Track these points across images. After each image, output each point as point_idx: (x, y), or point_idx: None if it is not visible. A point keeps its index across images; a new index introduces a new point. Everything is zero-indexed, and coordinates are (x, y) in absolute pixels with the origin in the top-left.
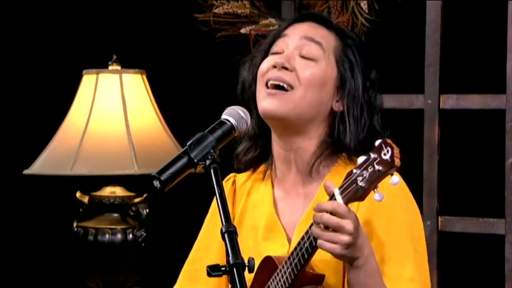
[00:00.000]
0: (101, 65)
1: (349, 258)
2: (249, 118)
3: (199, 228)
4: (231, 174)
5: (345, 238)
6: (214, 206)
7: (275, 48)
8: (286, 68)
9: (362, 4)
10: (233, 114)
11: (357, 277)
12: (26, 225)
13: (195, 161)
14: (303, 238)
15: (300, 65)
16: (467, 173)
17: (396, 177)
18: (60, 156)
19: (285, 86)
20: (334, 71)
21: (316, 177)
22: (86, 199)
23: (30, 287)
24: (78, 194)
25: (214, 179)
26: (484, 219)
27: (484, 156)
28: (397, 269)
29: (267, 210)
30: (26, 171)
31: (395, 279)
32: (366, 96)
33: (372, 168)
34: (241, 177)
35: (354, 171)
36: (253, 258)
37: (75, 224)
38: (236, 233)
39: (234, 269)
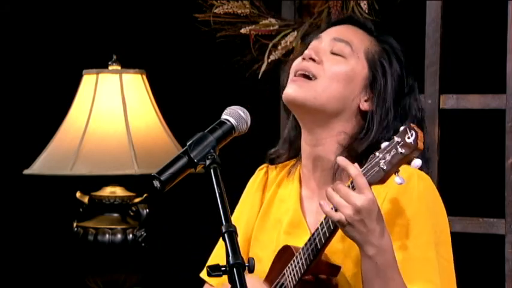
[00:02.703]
0: (101, 65)
1: (355, 239)
2: (249, 118)
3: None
4: (264, 165)
5: (347, 211)
6: (246, 195)
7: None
8: (313, 60)
9: (362, 4)
10: (233, 114)
11: (368, 268)
12: (26, 225)
13: (195, 161)
14: (321, 224)
15: (328, 59)
16: (467, 173)
17: (418, 160)
18: (60, 156)
19: (309, 75)
20: (364, 70)
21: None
22: (86, 199)
23: (30, 287)
24: (78, 194)
25: (214, 179)
26: (484, 219)
27: (484, 156)
28: (416, 270)
29: (292, 206)
30: (26, 171)
31: (412, 281)
32: (397, 101)
33: (395, 151)
34: (273, 168)
35: (377, 154)
36: (253, 258)
37: (75, 224)
38: (236, 233)
39: (234, 269)
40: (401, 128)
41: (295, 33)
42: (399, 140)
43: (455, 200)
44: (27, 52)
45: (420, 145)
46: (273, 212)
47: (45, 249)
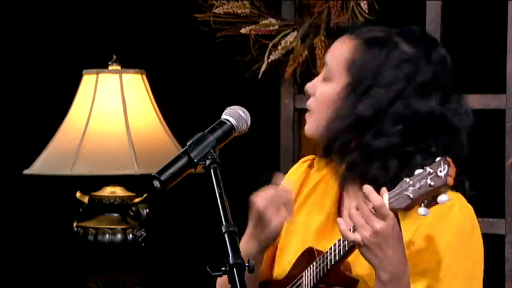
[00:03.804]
0: (101, 65)
1: (371, 262)
2: (249, 118)
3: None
4: (310, 156)
5: (365, 232)
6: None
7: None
8: (310, 95)
9: (362, 4)
10: (233, 114)
11: None
12: (26, 225)
13: (195, 161)
14: (343, 235)
15: (319, 88)
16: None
17: (445, 196)
18: (60, 156)
19: (309, 109)
20: (345, 81)
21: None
22: (86, 199)
23: (31, 287)
24: (78, 194)
25: (214, 179)
26: (484, 219)
27: (484, 156)
28: None
29: (329, 206)
30: (26, 171)
31: None
32: (388, 101)
33: (425, 181)
34: (320, 161)
35: (407, 180)
36: (252, 259)
37: (75, 224)
38: (236, 233)
39: (234, 269)
40: (437, 159)
41: (295, 33)
42: (431, 170)
43: None
44: (27, 52)
45: (450, 181)
46: (306, 207)
47: (45, 249)
